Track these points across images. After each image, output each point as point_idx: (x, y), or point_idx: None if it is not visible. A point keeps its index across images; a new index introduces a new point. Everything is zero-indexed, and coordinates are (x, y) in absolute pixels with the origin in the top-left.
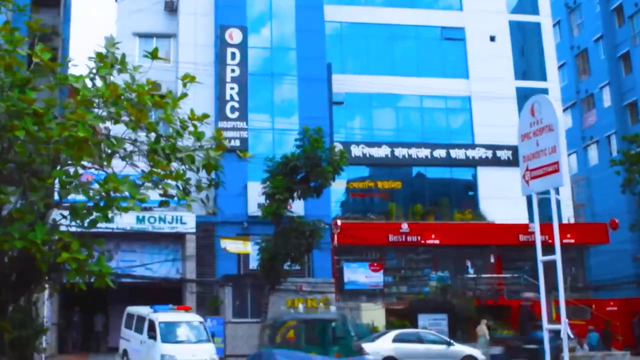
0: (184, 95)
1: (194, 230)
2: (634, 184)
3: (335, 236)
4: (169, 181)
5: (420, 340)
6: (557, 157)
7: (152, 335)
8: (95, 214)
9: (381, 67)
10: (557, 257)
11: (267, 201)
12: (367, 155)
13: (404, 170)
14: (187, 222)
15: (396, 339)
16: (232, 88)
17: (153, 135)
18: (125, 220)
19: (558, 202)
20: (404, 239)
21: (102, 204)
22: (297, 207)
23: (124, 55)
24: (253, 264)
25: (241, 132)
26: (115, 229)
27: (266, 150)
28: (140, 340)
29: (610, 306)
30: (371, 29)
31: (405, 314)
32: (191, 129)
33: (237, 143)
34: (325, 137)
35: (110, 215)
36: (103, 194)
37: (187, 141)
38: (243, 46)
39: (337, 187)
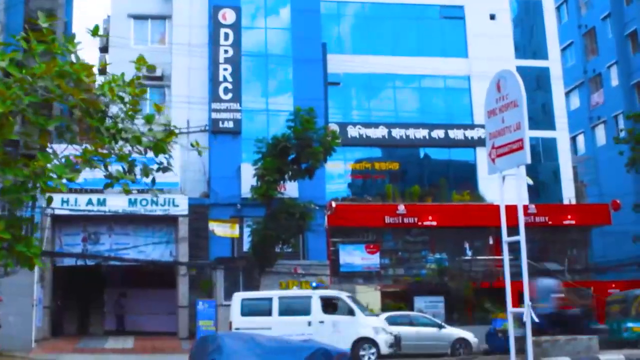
0: (137, 77)
1: (186, 213)
2: (639, 164)
3: (326, 218)
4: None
5: (410, 323)
6: (522, 134)
7: (342, 311)
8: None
9: (379, 46)
10: (522, 238)
11: (258, 183)
12: (364, 136)
13: (401, 151)
14: (180, 204)
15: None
16: (225, 69)
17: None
18: (117, 203)
19: (529, 185)
20: (400, 221)
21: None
22: (292, 188)
23: (73, 35)
24: (247, 246)
25: (234, 114)
26: (108, 211)
27: (260, 131)
28: (307, 322)
29: (612, 288)
30: (369, 8)
31: (401, 296)
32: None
33: (231, 125)
34: (320, 117)
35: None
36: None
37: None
38: (236, 26)
39: (334, 169)
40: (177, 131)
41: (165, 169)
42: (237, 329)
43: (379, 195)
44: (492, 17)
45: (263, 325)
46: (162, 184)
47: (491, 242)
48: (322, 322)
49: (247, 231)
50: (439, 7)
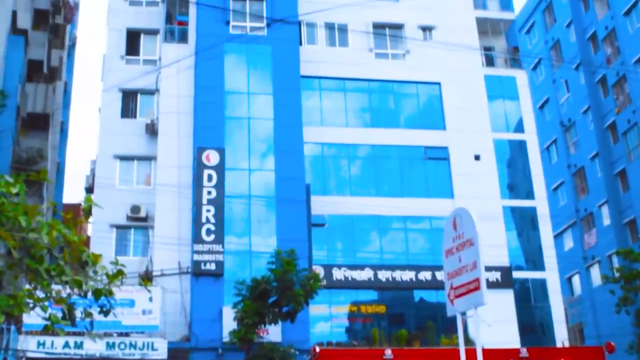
0: (82, 219)
1: (165, 357)
2: (630, 303)
3: None
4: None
5: None
6: (478, 274)
7: None
8: None
9: (364, 188)
10: None
11: (239, 326)
12: (350, 278)
13: (388, 294)
14: (159, 348)
15: None
16: (208, 210)
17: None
18: (95, 347)
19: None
20: None
21: None
22: (275, 332)
23: (21, 176)
24: None
25: (217, 255)
26: (85, 355)
27: (243, 273)
28: None
29: None
30: (353, 150)
31: None
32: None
33: (213, 267)
34: (304, 259)
35: None
36: None
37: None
38: (220, 168)
39: (319, 312)
40: (158, 272)
41: (106, 312)
42: None
43: (365, 339)
44: (477, 157)
45: None
46: (142, 327)
47: None
48: None
49: None
50: (424, 148)
